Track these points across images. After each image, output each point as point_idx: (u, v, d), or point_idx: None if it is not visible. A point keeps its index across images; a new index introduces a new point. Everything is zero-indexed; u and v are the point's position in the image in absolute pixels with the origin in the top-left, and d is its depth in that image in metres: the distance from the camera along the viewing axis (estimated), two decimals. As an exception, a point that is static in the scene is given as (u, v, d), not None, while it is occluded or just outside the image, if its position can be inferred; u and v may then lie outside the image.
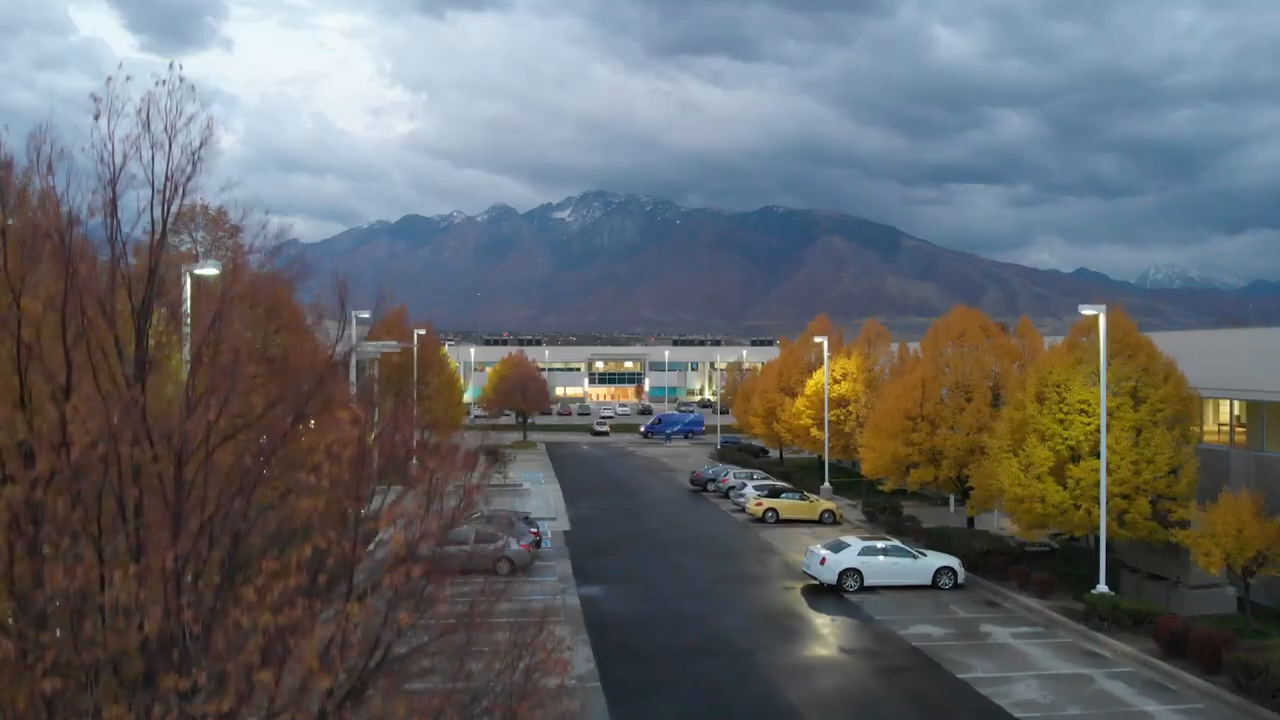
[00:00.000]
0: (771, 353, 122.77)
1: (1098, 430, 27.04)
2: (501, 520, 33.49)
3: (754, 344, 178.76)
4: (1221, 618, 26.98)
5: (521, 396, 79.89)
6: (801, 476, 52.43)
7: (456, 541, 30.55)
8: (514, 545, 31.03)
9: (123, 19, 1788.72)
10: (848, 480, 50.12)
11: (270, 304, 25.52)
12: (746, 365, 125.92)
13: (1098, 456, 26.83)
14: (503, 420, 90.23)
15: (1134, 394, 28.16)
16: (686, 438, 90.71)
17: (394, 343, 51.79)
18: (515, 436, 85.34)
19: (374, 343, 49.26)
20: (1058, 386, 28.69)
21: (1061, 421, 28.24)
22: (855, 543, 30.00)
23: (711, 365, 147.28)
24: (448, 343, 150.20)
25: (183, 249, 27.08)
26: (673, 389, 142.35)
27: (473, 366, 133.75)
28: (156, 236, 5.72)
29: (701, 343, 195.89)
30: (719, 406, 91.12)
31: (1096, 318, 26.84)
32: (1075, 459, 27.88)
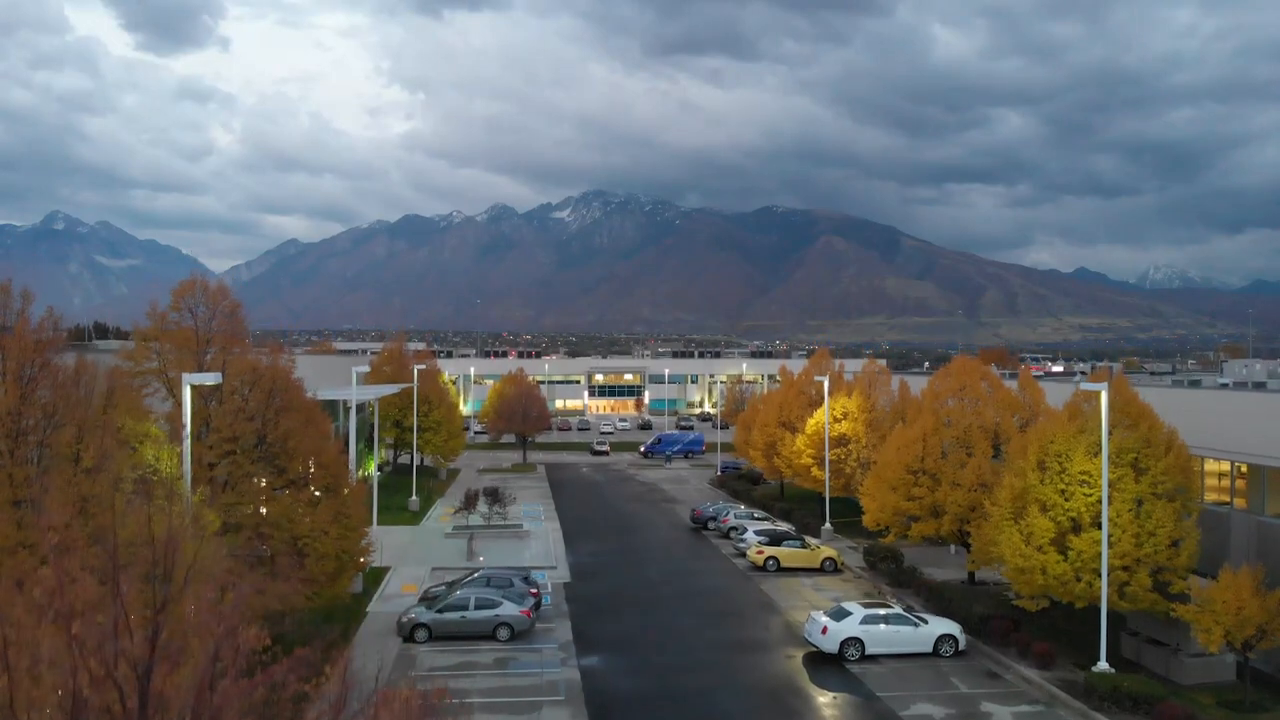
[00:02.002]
0: (771, 365, 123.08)
1: (1099, 501, 27.03)
2: (501, 581, 33.53)
3: (754, 355, 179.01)
4: (1221, 686, 27.09)
5: (522, 419, 79.98)
6: (802, 514, 52.40)
7: (456, 607, 30.53)
8: (513, 610, 30.96)
9: (119, 18, 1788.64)
10: (849, 519, 50.04)
11: (271, 385, 25.51)
12: (747, 378, 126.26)
13: (1099, 527, 26.83)
14: (504, 440, 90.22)
15: (1135, 465, 28.12)
16: (686, 458, 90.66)
17: (393, 385, 51.83)
18: (515, 457, 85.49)
19: (374, 387, 49.22)
20: (1059, 456, 28.67)
21: (1063, 492, 28.23)
22: (857, 610, 29.93)
23: (711, 378, 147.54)
24: (445, 353, 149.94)
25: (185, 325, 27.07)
26: (672, 401, 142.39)
27: (472, 380, 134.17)
28: (158, 607, 5.76)
29: (701, 353, 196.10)
30: (719, 421, 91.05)
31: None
32: (1076, 529, 27.88)
